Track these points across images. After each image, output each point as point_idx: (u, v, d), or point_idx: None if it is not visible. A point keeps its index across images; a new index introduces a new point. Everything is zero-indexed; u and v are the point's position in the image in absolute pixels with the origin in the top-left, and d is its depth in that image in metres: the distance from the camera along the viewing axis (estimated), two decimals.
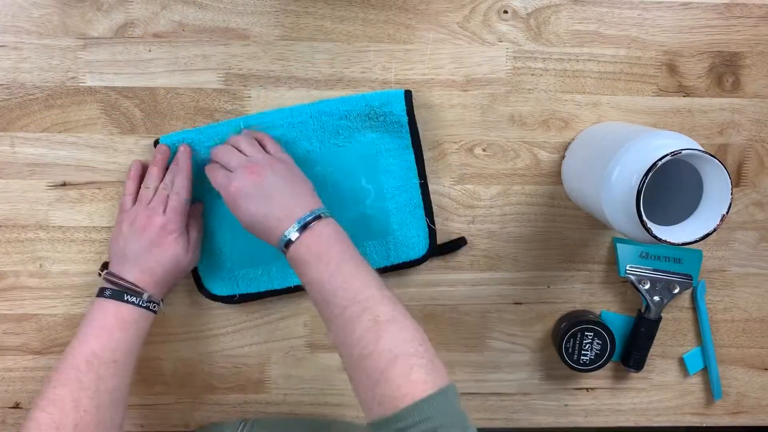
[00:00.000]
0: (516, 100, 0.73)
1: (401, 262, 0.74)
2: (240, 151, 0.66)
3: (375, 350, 0.52)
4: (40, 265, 0.74)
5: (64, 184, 0.73)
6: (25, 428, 0.58)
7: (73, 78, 0.70)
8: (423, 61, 0.72)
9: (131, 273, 0.65)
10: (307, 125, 0.71)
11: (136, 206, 0.68)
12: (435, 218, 0.75)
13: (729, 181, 0.55)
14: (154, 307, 0.66)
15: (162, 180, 0.69)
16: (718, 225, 0.56)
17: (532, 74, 0.73)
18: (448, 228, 0.76)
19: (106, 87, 0.70)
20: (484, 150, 0.74)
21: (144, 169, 0.70)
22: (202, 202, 0.72)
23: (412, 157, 0.72)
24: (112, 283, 0.65)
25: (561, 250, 0.78)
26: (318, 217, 0.60)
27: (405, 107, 0.70)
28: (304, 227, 0.60)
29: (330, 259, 0.58)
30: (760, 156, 0.76)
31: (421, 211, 0.74)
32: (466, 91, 0.73)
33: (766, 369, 0.82)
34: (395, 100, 0.70)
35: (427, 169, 0.73)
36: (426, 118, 0.73)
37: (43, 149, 0.71)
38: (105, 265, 0.70)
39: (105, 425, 0.61)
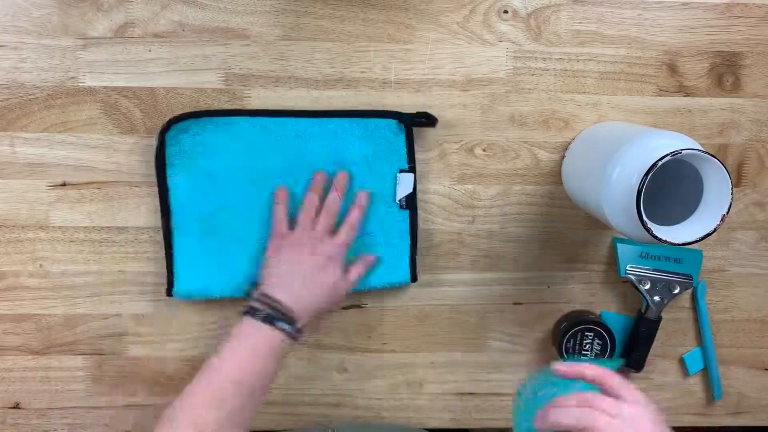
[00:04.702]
0: (516, 100, 0.73)
1: (382, 286, 0.74)
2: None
3: None
4: (40, 265, 0.74)
5: (64, 184, 0.73)
6: None
7: (72, 78, 0.70)
8: (423, 61, 0.72)
9: (288, 298, 0.63)
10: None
11: (299, 232, 0.68)
12: (435, 218, 0.75)
13: (729, 181, 0.55)
14: (300, 337, 0.64)
15: (320, 205, 0.69)
16: (718, 225, 0.56)
17: (532, 74, 0.73)
18: (448, 228, 0.76)
19: (105, 87, 0.70)
20: (484, 150, 0.74)
21: (286, 194, 0.70)
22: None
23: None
24: (267, 305, 0.63)
25: (561, 250, 0.78)
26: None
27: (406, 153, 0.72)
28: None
29: None
30: (760, 156, 0.76)
31: (406, 242, 0.74)
32: (466, 91, 0.73)
33: (766, 369, 0.82)
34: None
35: (427, 168, 0.73)
36: None
37: (43, 149, 0.71)
38: (254, 284, 0.67)
39: None
